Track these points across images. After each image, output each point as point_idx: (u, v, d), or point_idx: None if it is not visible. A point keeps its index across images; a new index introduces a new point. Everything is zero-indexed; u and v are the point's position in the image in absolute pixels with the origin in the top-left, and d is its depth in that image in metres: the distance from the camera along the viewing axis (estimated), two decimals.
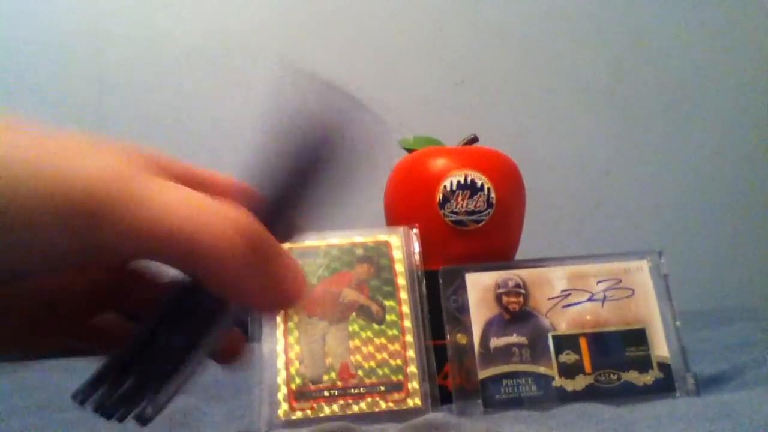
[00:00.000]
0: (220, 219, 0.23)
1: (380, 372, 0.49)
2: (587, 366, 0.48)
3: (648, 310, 0.50)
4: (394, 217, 0.58)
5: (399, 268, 0.53)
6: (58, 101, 1.14)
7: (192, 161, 0.28)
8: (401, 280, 0.52)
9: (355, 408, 0.47)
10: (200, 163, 0.28)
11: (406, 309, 0.51)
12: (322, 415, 0.47)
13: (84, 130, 0.24)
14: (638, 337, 0.49)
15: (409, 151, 0.61)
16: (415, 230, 0.54)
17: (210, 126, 1.17)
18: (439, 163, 0.56)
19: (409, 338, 0.50)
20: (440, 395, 0.49)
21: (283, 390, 0.48)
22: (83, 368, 0.29)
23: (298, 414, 0.47)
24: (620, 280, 0.51)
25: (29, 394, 0.65)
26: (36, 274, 0.23)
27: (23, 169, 0.21)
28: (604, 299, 0.50)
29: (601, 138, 1.28)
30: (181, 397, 0.48)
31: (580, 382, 0.47)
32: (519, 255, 0.60)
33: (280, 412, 0.47)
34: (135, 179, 0.23)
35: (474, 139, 0.60)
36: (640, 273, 0.52)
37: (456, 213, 0.54)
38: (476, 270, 0.51)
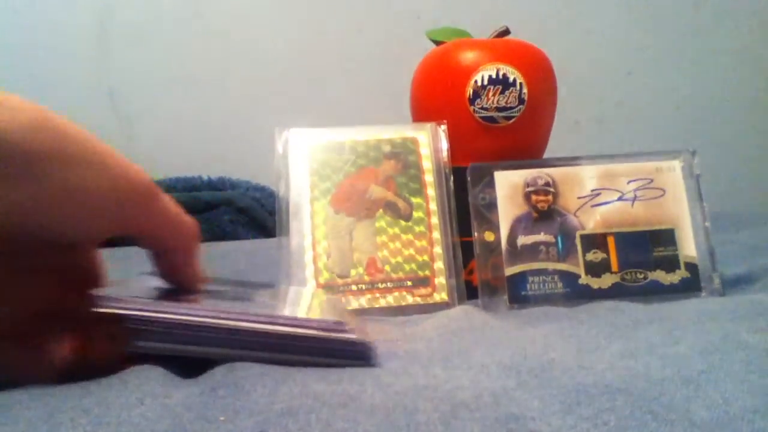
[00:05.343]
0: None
1: (407, 267, 0.49)
2: (614, 264, 0.48)
3: (678, 210, 0.50)
4: (422, 113, 0.56)
5: (426, 164, 0.52)
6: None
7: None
8: (428, 177, 0.52)
9: (383, 302, 0.48)
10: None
11: (433, 206, 0.51)
12: (350, 308, 0.47)
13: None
14: (667, 237, 0.49)
15: (437, 43, 0.58)
16: (443, 127, 0.53)
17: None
18: (470, 56, 0.54)
19: (436, 235, 0.50)
20: (466, 291, 0.49)
21: (311, 284, 0.48)
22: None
23: None
24: (651, 180, 0.50)
25: None
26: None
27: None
28: (634, 199, 0.50)
29: (624, 37, 1.23)
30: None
31: (606, 281, 0.48)
32: None
33: None
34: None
35: (506, 32, 0.57)
36: (672, 173, 0.51)
37: (486, 109, 0.52)
38: (505, 168, 0.50)
